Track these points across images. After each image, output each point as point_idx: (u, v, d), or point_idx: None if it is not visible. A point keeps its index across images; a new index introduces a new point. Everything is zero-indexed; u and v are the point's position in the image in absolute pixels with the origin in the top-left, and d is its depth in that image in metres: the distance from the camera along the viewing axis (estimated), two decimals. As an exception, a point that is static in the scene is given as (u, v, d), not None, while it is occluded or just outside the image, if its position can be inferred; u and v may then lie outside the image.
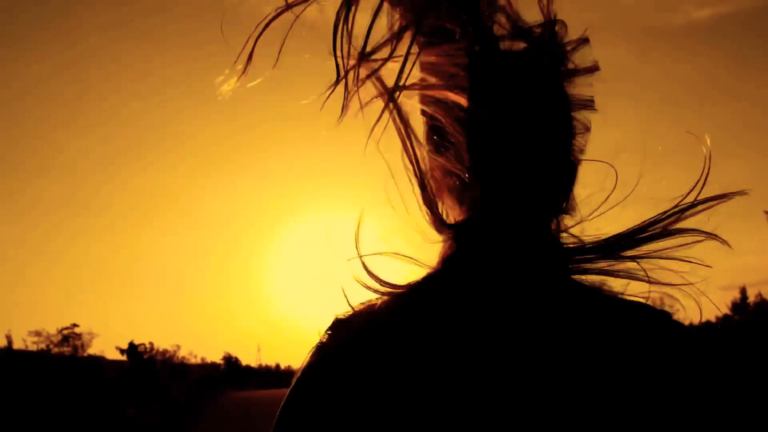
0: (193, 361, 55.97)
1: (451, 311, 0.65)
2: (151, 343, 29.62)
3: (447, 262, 0.69)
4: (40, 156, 75.10)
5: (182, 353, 50.73)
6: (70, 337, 23.62)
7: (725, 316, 46.31)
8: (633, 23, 73.31)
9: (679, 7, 71.05)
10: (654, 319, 0.66)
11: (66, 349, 23.49)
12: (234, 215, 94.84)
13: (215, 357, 71.94)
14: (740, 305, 46.93)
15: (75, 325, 23.83)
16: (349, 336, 0.68)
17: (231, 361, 65.62)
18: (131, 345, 24.67)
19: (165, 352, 39.12)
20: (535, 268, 0.66)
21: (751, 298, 46.71)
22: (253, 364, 76.95)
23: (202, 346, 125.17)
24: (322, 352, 0.69)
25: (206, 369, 58.49)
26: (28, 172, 72.77)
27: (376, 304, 0.70)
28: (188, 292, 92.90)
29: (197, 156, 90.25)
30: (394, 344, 0.64)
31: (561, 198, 0.72)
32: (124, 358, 25.64)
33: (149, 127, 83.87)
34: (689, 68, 71.98)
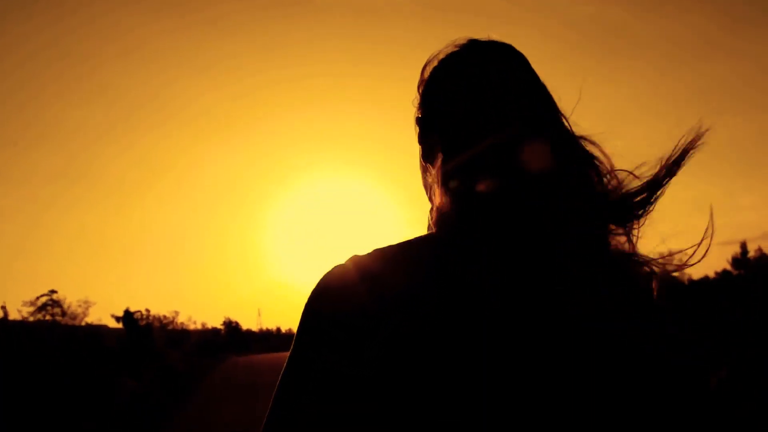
0: (192, 327, 56.15)
1: (454, 257, 0.67)
2: (147, 310, 29.15)
3: (446, 220, 0.72)
4: (34, 127, 74.04)
5: (181, 319, 50.70)
6: (48, 305, 22.81)
7: (724, 270, 46.49)
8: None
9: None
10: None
11: (47, 317, 22.76)
12: (231, 181, 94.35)
13: (215, 322, 72.27)
14: (741, 260, 46.91)
15: (53, 291, 23.08)
16: (356, 265, 0.71)
17: (231, 326, 65.76)
18: (126, 312, 24.12)
19: (163, 318, 38.95)
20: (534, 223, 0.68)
21: (752, 252, 46.79)
22: (254, 328, 77.52)
23: (202, 312, 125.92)
24: (330, 276, 0.72)
25: (206, 334, 58.61)
26: (23, 143, 71.93)
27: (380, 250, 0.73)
28: (187, 258, 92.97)
29: (193, 123, 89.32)
30: (399, 274, 0.68)
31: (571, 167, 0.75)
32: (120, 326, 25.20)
33: (144, 95, 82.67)
34: (683, 27, 70.48)
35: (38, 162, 74.16)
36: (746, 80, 66.19)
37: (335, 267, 0.73)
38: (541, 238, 0.66)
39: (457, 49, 0.85)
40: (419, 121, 0.86)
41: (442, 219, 0.73)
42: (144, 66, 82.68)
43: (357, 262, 0.72)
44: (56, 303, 22.95)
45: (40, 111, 74.52)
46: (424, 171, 0.86)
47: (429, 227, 0.80)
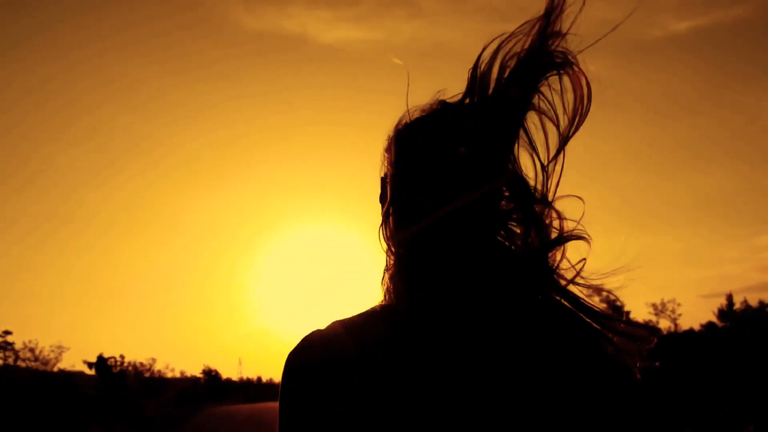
0: (170, 375, 54.45)
1: (414, 325, 0.79)
2: (122, 356, 28.07)
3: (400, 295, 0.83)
4: (24, 168, 73.61)
5: (158, 366, 49.19)
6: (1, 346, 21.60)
7: (709, 323, 46.28)
8: (613, 36, 73.59)
9: (658, 20, 71.52)
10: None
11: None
12: (216, 229, 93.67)
13: (195, 370, 70.33)
14: (726, 312, 46.81)
15: (7, 333, 21.99)
16: (329, 334, 0.81)
17: (211, 375, 63.97)
18: (100, 358, 23.14)
19: (140, 365, 37.64)
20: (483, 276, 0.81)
21: (737, 305, 46.70)
22: (234, 377, 75.55)
23: (181, 359, 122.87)
24: (306, 342, 0.82)
25: (184, 383, 56.87)
26: (12, 185, 71.31)
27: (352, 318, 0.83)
28: (168, 305, 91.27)
29: (180, 169, 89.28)
30: (370, 340, 0.78)
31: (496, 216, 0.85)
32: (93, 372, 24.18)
33: (132, 140, 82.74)
34: (669, 79, 72.61)
35: (23, 204, 73.37)
36: (727, 132, 67.86)
37: (313, 330, 0.84)
38: (474, 303, 0.79)
39: (423, 114, 0.89)
40: (382, 182, 0.91)
41: (390, 290, 0.85)
42: (134, 111, 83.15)
43: (334, 322, 0.83)
44: (8, 345, 21.88)
45: (31, 153, 74.24)
46: (383, 230, 0.91)
47: (383, 285, 0.88)
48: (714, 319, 46.20)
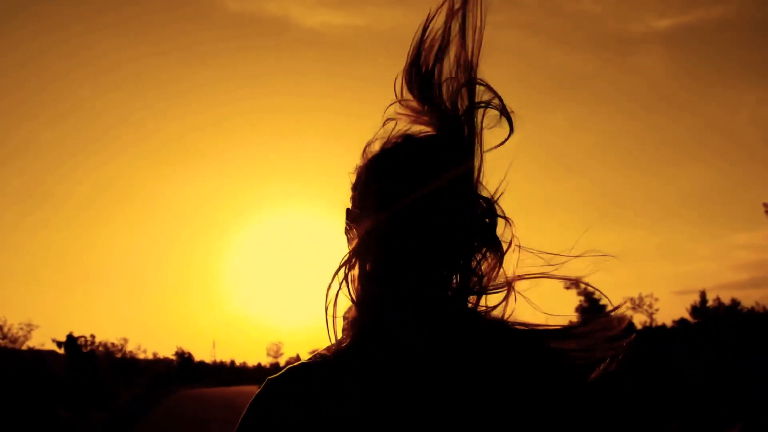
0: (142, 356, 53.72)
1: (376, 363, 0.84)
2: (92, 336, 27.42)
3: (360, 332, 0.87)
4: (1, 146, 71.82)
5: (130, 347, 48.44)
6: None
7: (682, 319, 46.89)
8: (594, 31, 74.10)
9: (640, 17, 72.05)
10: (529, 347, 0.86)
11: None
12: (193, 211, 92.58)
13: (167, 352, 69.54)
14: (699, 308, 47.45)
15: None
16: (290, 373, 0.87)
17: (184, 357, 63.29)
18: (69, 337, 22.48)
19: (111, 345, 36.87)
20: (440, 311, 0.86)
21: (710, 302, 47.37)
22: (207, 359, 74.91)
23: (154, 341, 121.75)
24: (267, 385, 0.88)
25: (156, 364, 56.20)
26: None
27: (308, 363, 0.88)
28: (143, 285, 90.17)
29: (159, 152, 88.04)
30: (329, 379, 0.84)
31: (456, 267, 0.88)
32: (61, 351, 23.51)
33: (113, 119, 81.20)
34: (650, 75, 73.11)
35: (5, 180, 71.57)
36: (713, 129, 68.61)
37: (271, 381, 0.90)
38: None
39: (389, 146, 0.91)
40: (347, 214, 0.93)
41: (359, 290, 0.89)
42: (113, 91, 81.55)
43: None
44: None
45: (9, 131, 72.32)
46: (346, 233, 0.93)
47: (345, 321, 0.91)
48: (687, 315, 46.90)
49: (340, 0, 79.11)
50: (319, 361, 0.87)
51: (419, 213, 0.84)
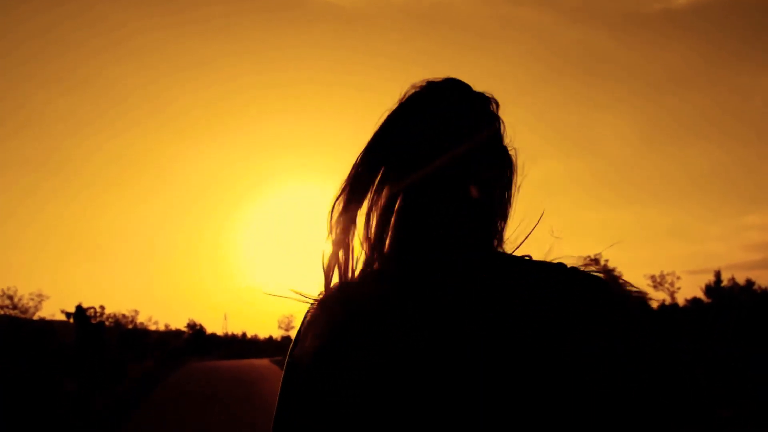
0: (153, 327, 54.12)
1: (414, 285, 0.80)
2: (102, 307, 27.31)
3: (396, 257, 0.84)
4: (15, 115, 71.94)
5: (141, 319, 48.75)
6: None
7: (695, 298, 46.43)
8: (613, 8, 72.27)
9: (662, -9, 70.05)
10: (567, 275, 0.81)
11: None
12: (207, 184, 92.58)
13: (179, 324, 70.15)
14: (714, 288, 46.88)
15: None
16: (338, 297, 0.83)
17: (195, 329, 63.78)
18: (78, 309, 22.32)
19: (122, 317, 36.95)
20: (471, 246, 0.84)
21: (725, 282, 46.74)
22: (219, 332, 75.51)
23: (166, 313, 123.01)
24: (318, 307, 0.85)
25: (168, 336, 56.66)
26: (2, 131, 69.80)
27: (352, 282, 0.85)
28: (156, 257, 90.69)
29: (175, 121, 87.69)
30: (376, 303, 0.80)
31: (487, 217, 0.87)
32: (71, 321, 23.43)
33: (128, 90, 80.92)
34: (666, 54, 71.37)
35: (11, 151, 71.79)
36: (724, 110, 67.13)
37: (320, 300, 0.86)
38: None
39: (415, 90, 0.91)
40: (366, 150, 0.91)
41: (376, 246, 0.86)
42: (131, 60, 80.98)
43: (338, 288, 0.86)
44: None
45: (24, 100, 72.24)
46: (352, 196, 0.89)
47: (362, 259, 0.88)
48: (699, 295, 46.36)
49: (354, -29, 77.61)
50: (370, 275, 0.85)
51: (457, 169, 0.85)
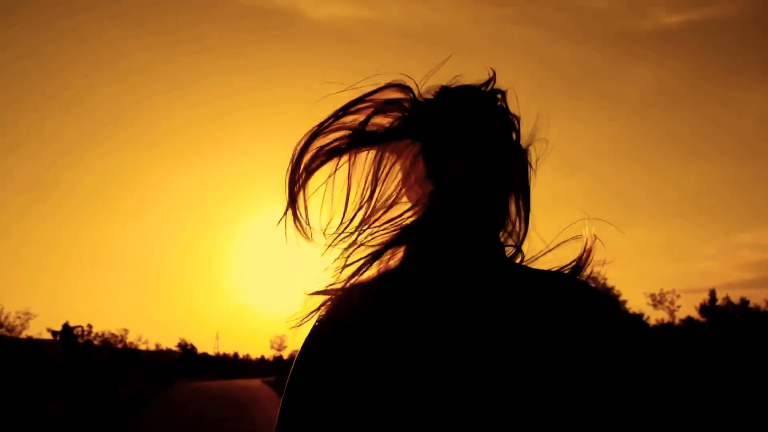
0: (143, 347, 53.29)
1: (421, 292, 0.83)
2: (89, 326, 26.71)
3: (410, 258, 0.87)
4: (6, 135, 71.73)
5: (131, 338, 48.01)
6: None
7: (688, 318, 46.22)
8: (603, 27, 73.05)
9: (650, 12, 71.03)
10: (569, 284, 0.84)
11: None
12: (198, 202, 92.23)
13: (170, 343, 69.25)
14: (708, 307, 46.71)
15: None
16: (346, 306, 0.85)
17: (187, 348, 62.91)
18: (65, 327, 21.75)
19: (111, 336, 36.27)
20: (479, 255, 0.86)
21: (720, 301, 46.57)
22: (211, 352, 74.52)
23: (156, 332, 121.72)
24: (325, 317, 0.86)
25: (159, 356, 55.82)
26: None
27: (357, 287, 0.86)
28: (147, 277, 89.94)
29: (165, 142, 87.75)
30: (384, 314, 0.82)
31: (497, 218, 0.90)
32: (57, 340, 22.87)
33: (119, 109, 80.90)
34: (658, 72, 72.03)
35: (4, 168, 71.36)
36: (719, 128, 67.55)
37: (327, 310, 0.87)
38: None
39: (430, 97, 0.94)
40: (426, 144, 0.92)
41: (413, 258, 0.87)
42: (122, 80, 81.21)
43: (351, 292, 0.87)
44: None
45: (17, 120, 72.03)
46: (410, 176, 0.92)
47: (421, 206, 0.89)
48: (694, 313, 46.14)
49: (347, -9, 78.27)
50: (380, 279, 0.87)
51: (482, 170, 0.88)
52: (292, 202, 0.90)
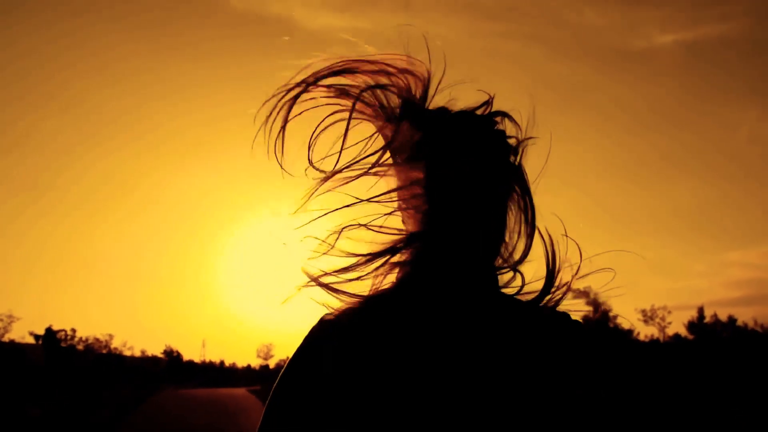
0: (128, 353, 52.67)
1: (413, 313, 0.85)
2: (73, 330, 26.21)
3: (404, 280, 0.88)
4: (3, 137, 71.31)
5: (116, 344, 47.41)
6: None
7: (675, 335, 46.28)
8: (598, 45, 73.73)
9: (643, 31, 71.77)
10: (558, 322, 0.89)
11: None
12: (188, 208, 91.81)
13: (155, 350, 68.53)
14: (697, 324, 46.81)
15: None
16: (338, 325, 0.86)
17: (172, 355, 62.25)
18: (48, 331, 21.30)
19: (95, 341, 35.68)
20: (471, 281, 0.89)
21: (708, 318, 46.67)
22: (197, 359, 73.79)
23: (142, 338, 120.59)
24: (319, 329, 0.87)
25: (145, 362, 55.25)
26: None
27: (353, 307, 0.87)
28: (135, 283, 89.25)
29: (157, 148, 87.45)
30: (376, 332, 0.84)
31: (494, 242, 0.92)
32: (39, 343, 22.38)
33: (115, 113, 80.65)
34: (651, 90, 72.69)
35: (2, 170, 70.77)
36: (711, 146, 68.10)
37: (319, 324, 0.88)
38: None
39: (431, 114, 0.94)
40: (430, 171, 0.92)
41: (407, 280, 0.89)
42: (117, 84, 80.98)
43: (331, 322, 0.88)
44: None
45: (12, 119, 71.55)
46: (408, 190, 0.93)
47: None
48: (681, 330, 46.22)
49: (344, 3, 78.74)
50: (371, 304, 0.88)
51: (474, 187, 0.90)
52: (283, 122, 0.91)
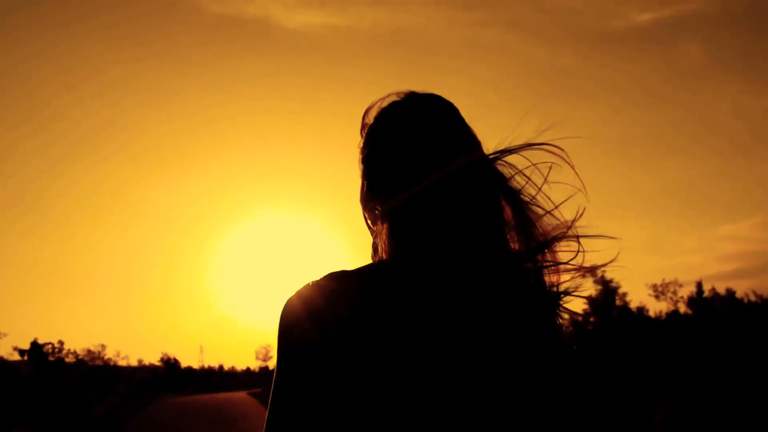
0: (123, 363, 51.89)
1: (406, 281, 0.85)
2: (60, 342, 25.34)
3: (396, 253, 0.90)
4: None
5: (109, 354, 46.65)
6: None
7: (674, 311, 46.03)
8: (576, 26, 73.34)
9: (621, 12, 71.40)
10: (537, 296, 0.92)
11: None
12: (180, 214, 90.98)
13: (152, 358, 67.77)
14: (696, 299, 46.58)
15: None
16: (330, 284, 0.86)
17: (170, 363, 61.44)
18: (34, 344, 20.44)
19: (86, 353, 34.86)
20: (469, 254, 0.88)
21: (706, 293, 46.46)
22: (195, 365, 73.03)
23: (137, 347, 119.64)
24: (310, 290, 0.86)
25: (143, 371, 54.51)
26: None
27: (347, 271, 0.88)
28: (128, 291, 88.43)
29: (142, 156, 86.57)
30: (369, 293, 0.84)
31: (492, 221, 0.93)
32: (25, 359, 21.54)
33: (96, 125, 79.66)
34: (633, 69, 72.48)
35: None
36: (696, 121, 68.02)
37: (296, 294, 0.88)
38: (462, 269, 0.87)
39: (398, 99, 0.97)
40: (364, 161, 0.96)
41: (381, 251, 0.92)
42: (98, 95, 79.93)
43: (303, 295, 0.87)
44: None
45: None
46: (366, 205, 0.97)
47: (372, 257, 0.95)
48: (677, 307, 45.93)
49: (320, 0, 77.88)
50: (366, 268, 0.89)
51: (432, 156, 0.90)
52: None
